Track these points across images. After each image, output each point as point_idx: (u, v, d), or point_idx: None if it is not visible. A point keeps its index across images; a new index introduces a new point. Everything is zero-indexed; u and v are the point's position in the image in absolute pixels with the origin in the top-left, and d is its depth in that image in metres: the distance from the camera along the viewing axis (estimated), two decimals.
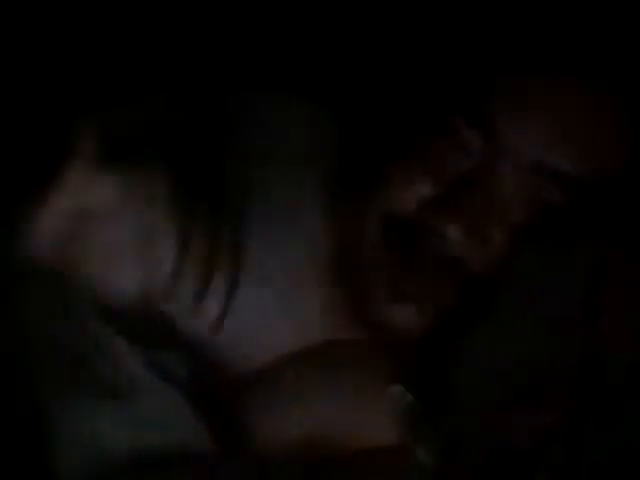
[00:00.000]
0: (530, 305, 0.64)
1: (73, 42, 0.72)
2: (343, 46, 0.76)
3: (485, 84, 0.67)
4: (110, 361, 0.61)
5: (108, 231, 0.66)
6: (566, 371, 0.61)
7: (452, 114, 0.68)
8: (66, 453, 0.60)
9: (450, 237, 0.65)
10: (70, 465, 0.60)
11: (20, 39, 0.71)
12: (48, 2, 0.74)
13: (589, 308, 0.62)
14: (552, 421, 0.61)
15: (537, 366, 0.62)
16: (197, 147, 0.70)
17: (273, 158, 0.72)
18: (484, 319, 0.65)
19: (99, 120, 0.67)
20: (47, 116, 0.68)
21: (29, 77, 0.70)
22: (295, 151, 0.73)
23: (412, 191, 0.67)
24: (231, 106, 0.73)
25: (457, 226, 0.65)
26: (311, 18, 0.80)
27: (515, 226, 0.66)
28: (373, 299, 0.68)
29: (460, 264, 0.66)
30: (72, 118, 0.67)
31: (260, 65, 0.76)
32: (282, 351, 0.69)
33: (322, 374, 0.68)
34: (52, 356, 0.62)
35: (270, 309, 0.70)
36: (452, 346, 0.66)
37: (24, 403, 0.62)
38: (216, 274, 0.67)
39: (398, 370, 0.67)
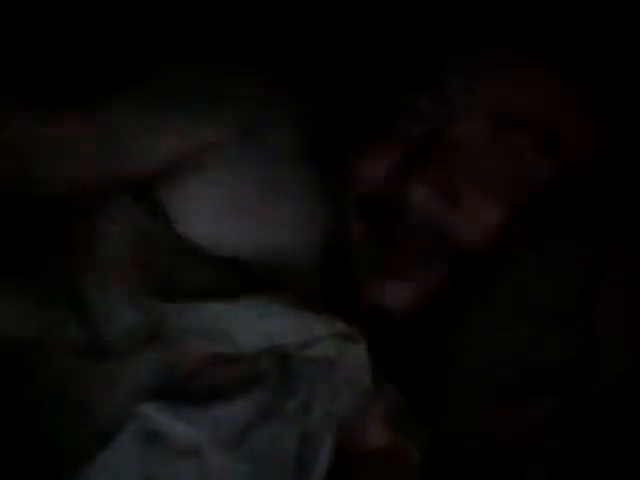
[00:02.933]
0: (525, 298, 0.64)
1: None
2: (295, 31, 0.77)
3: (437, 55, 0.68)
4: None
5: None
6: (559, 368, 0.61)
7: (407, 86, 0.68)
8: None
9: (418, 199, 0.65)
10: None
11: None
12: None
13: (585, 302, 0.62)
14: (544, 418, 0.61)
15: (530, 362, 0.62)
16: None
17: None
18: (478, 312, 0.65)
19: None
20: None
21: None
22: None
23: (377, 166, 0.67)
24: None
25: (422, 187, 0.65)
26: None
27: (500, 192, 0.66)
28: (363, 281, 0.67)
29: (448, 236, 0.66)
30: None
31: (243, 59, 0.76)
32: None
33: None
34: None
35: None
36: (444, 342, 0.66)
37: None
38: None
39: (389, 368, 0.67)
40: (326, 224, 0.70)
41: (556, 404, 0.61)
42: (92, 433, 0.57)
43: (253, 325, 0.60)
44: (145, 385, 0.58)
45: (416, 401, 0.64)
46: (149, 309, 0.60)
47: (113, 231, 0.63)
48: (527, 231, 0.66)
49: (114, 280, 0.61)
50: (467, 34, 0.68)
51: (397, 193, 0.66)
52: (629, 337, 0.61)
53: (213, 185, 0.67)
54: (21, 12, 0.77)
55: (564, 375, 0.61)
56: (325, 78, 0.75)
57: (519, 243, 0.65)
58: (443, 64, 0.67)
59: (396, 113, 0.68)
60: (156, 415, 0.57)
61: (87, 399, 0.58)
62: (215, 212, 0.66)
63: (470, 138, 0.66)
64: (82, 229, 0.63)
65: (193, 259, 0.63)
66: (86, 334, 0.60)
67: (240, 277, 0.63)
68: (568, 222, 0.65)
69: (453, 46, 0.68)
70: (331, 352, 0.61)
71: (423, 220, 0.65)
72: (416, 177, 0.65)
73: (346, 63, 0.75)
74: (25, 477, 0.57)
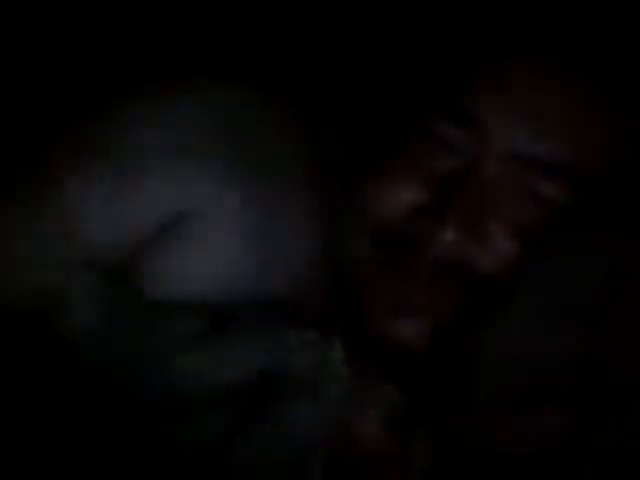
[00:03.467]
0: (539, 303, 0.62)
1: None
2: (318, 50, 0.75)
3: (461, 76, 0.65)
4: None
5: None
6: (571, 372, 0.60)
7: (430, 112, 0.65)
8: None
9: (447, 241, 0.63)
10: None
11: None
12: None
13: (598, 305, 0.60)
14: (556, 423, 0.60)
15: (542, 367, 0.61)
16: None
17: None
18: (490, 317, 0.64)
19: None
20: None
21: None
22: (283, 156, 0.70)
23: (399, 198, 0.65)
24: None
25: (453, 228, 0.63)
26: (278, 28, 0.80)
27: (522, 226, 0.64)
28: (371, 314, 0.66)
29: (466, 269, 0.64)
30: None
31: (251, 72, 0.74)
32: None
33: None
34: None
35: None
36: (456, 345, 0.64)
37: None
38: None
39: (393, 370, 0.66)
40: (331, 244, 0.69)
41: (568, 409, 0.60)
42: None
43: (226, 363, 0.61)
44: None
45: (421, 403, 0.63)
46: None
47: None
48: (541, 236, 0.64)
49: None
50: (491, 51, 0.66)
51: (422, 229, 0.64)
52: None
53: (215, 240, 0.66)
54: None
55: (577, 379, 0.60)
56: (337, 91, 0.74)
57: (534, 249, 0.64)
58: (466, 83, 0.65)
59: (418, 139, 0.65)
60: None
61: None
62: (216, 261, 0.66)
63: (502, 180, 0.64)
64: None
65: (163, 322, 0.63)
66: None
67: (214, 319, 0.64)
68: (582, 225, 0.64)
69: (477, 63, 0.66)
70: (309, 360, 0.61)
71: (448, 258, 0.63)
72: (446, 218, 0.63)
73: (360, 78, 0.74)
74: None
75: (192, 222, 0.66)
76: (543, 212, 0.64)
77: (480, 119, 0.63)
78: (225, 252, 0.66)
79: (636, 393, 0.59)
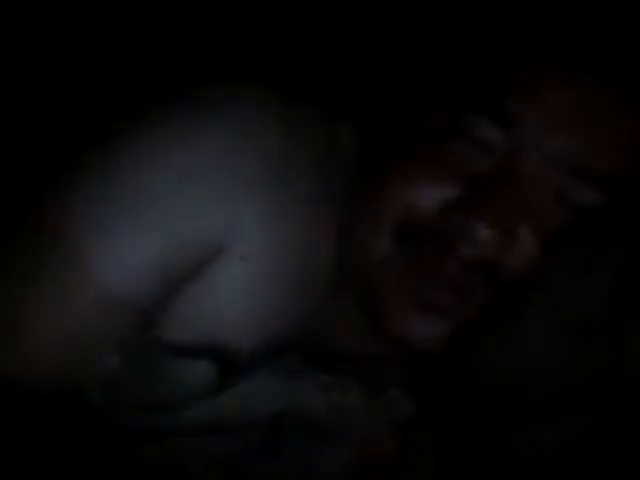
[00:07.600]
0: (557, 311, 0.61)
1: None
2: (352, 45, 0.75)
3: (500, 75, 0.65)
4: None
5: None
6: (588, 383, 0.59)
7: (467, 111, 0.64)
8: None
9: (480, 239, 0.62)
10: None
11: None
12: None
13: (615, 314, 0.59)
14: (574, 436, 0.59)
15: (559, 377, 0.60)
16: None
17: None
18: (506, 322, 0.63)
19: None
20: None
21: None
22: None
23: (433, 195, 0.64)
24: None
25: (486, 226, 0.62)
26: (318, 24, 0.79)
27: (549, 229, 0.63)
28: (391, 313, 0.65)
29: (493, 268, 0.63)
30: None
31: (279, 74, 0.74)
32: None
33: None
34: None
35: None
36: (471, 352, 0.64)
37: None
38: None
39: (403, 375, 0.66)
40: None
41: (584, 418, 0.60)
42: None
43: (241, 409, 0.61)
44: None
45: (429, 405, 0.63)
46: None
47: None
48: (561, 243, 0.63)
49: None
50: (528, 50, 0.65)
51: (454, 226, 0.63)
52: None
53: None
54: None
55: (592, 388, 0.59)
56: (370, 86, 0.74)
57: (553, 255, 0.64)
58: (505, 83, 0.64)
59: (455, 137, 0.64)
60: None
61: None
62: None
63: (538, 183, 0.63)
64: None
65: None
66: None
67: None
68: (601, 233, 0.63)
69: (515, 63, 0.65)
70: (325, 403, 0.61)
71: (477, 256, 0.63)
72: (481, 215, 0.62)
73: (396, 75, 0.74)
74: None
75: (222, 261, 0.65)
76: (572, 217, 0.63)
77: (518, 119, 0.63)
78: (253, 293, 0.66)
79: None
